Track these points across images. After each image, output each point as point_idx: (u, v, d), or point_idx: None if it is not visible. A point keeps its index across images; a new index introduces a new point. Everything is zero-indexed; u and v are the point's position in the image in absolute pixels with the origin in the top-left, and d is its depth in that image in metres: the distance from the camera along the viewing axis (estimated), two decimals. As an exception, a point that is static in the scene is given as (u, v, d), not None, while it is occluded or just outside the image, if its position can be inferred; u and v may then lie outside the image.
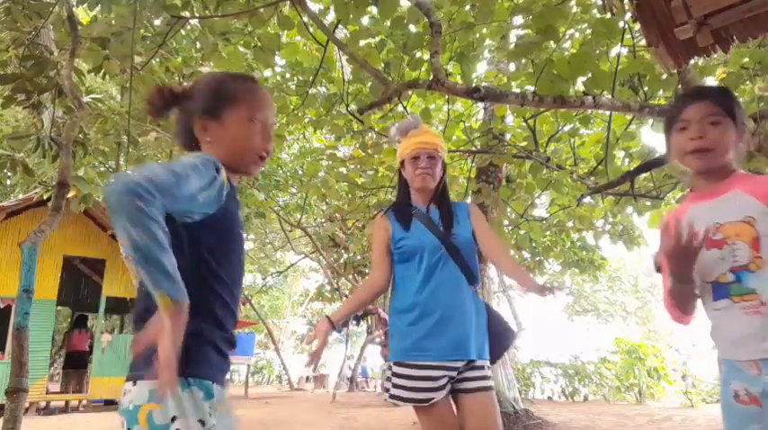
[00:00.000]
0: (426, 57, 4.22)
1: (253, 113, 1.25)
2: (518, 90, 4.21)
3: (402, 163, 2.19)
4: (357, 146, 7.10)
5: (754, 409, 1.38)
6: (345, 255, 15.32)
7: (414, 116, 2.23)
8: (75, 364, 10.66)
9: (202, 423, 1.08)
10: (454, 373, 1.96)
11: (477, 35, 4.62)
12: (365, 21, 4.45)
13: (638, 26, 3.14)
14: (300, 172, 10.82)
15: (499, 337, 2.11)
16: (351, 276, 15.02)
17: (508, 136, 5.94)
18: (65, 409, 10.06)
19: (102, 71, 4.47)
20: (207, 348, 1.15)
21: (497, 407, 1.99)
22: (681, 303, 1.54)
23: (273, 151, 1.25)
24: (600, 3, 3.92)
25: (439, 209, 2.16)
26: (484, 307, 2.10)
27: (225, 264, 1.19)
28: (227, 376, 1.22)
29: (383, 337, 11.41)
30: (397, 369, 1.99)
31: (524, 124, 5.39)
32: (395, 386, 1.97)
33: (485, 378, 2.00)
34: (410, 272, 2.07)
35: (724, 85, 4.07)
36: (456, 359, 1.95)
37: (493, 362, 2.08)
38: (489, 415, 1.94)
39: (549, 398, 13.06)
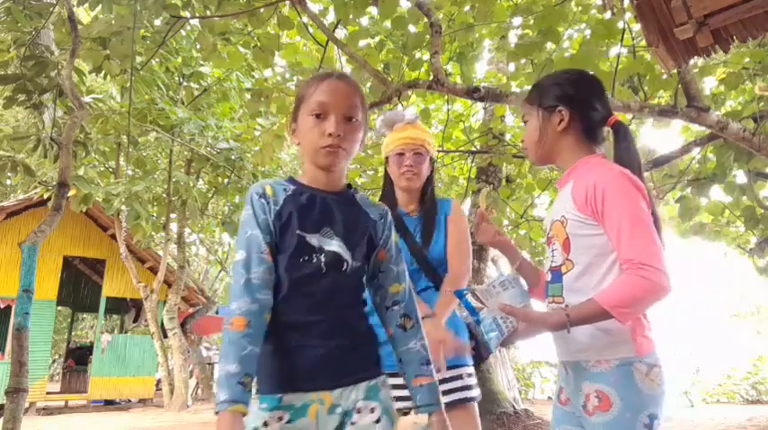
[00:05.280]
0: (426, 57, 4.22)
1: (312, 107, 1.25)
2: (518, 90, 4.21)
3: (387, 159, 2.00)
4: (357, 146, 7.08)
5: (567, 409, 1.39)
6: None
7: (408, 110, 1.98)
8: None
9: None
10: None
11: (477, 35, 4.62)
12: (365, 21, 4.45)
13: (638, 26, 3.14)
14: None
15: None
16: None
17: (508, 136, 5.94)
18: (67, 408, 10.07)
19: (103, 71, 4.47)
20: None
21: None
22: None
23: (338, 132, 1.23)
24: (600, 3, 3.92)
25: (422, 215, 1.96)
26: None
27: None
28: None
29: None
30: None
31: (524, 124, 5.38)
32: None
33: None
34: None
35: (722, 85, 4.07)
36: None
37: None
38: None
39: (549, 398, 13.05)
